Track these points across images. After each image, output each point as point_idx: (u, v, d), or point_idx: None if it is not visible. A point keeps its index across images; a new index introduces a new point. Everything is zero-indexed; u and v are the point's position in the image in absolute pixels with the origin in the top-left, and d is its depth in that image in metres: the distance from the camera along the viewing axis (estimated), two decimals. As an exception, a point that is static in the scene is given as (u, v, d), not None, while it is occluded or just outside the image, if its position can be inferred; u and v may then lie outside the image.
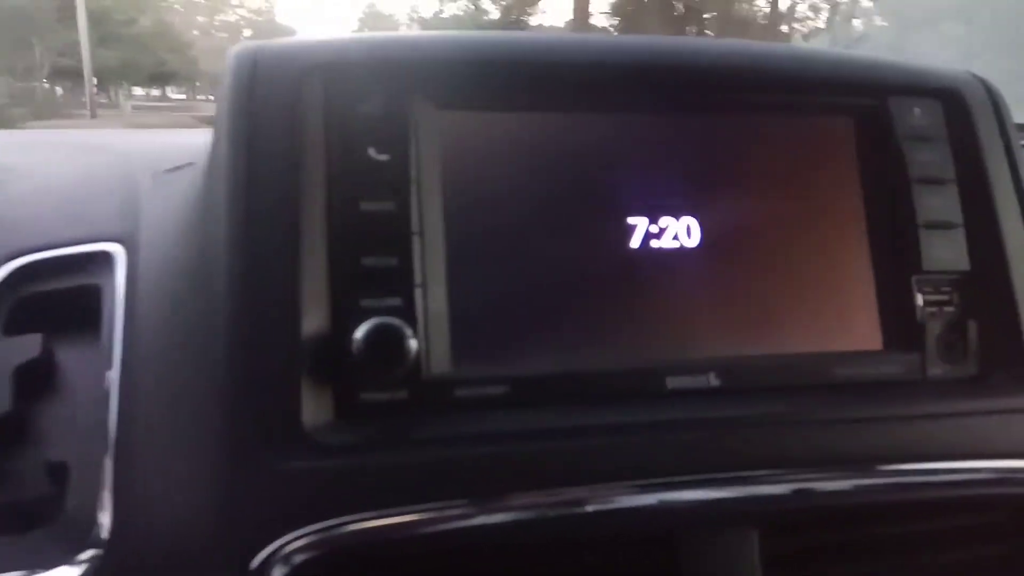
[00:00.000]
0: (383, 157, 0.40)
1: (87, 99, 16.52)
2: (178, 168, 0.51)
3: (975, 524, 0.46)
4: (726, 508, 0.41)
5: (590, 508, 0.40)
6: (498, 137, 0.42)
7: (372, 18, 36.47)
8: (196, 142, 0.49)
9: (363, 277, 0.39)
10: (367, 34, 0.44)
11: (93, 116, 15.63)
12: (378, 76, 0.40)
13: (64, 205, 0.50)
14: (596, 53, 0.44)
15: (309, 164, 0.39)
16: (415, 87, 0.41)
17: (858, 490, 0.42)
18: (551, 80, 0.43)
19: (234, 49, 0.41)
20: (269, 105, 0.39)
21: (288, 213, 0.38)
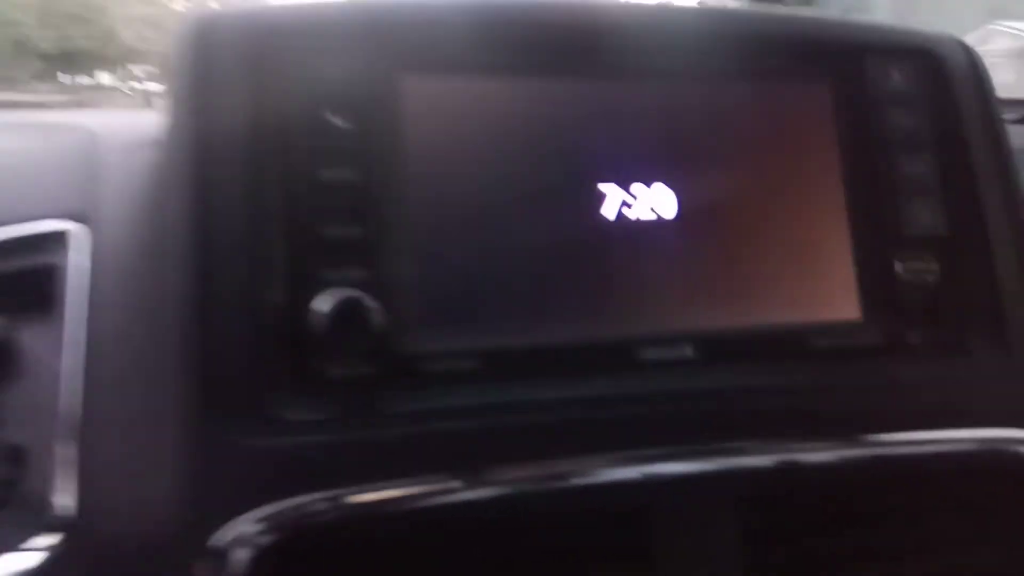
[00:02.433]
0: (345, 124, 0.38)
1: None
2: (144, 145, 0.49)
3: (954, 497, 0.46)
4: (706, 480, 0.40)
5: (567, 482, 0.39)
6: (466, 103, 0.41)
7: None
8: None
9: (325, 248, 0.38)
10: None
11: None
12: (340, 40, 0.39)
13: (23, 182, 0.49)
14: (565, 16, 0.43)
15: (267, 131, 0.38)
16: (378, 51, 0.40)
17: (839, 460, 0.42)
18: (520, 44, 0.42)
19: (189, 14, 0.40)
20: (225, 70, 0.38)
21: (245, 183, 0.37)
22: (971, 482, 0.46)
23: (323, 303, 0.35)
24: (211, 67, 0.38)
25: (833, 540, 0.44)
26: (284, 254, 0.37)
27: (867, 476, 0.43)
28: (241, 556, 0.35)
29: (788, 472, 0.41)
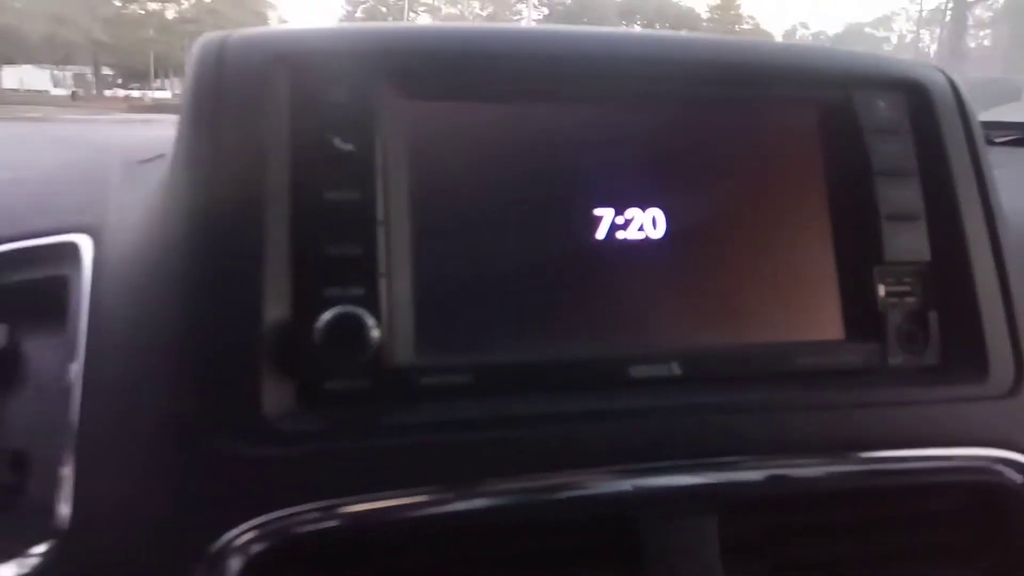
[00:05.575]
0: (348, 146, 0.40)
1: None
2: (150, 159, 0.51)
3: (930, 510, 0.47)
4: (691, 494, 0.41)
5: (557, 495, 0.40)
6: (465, 127, 0.42)
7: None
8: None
9: (327, 266, 0.39)
10: (335, 23, 0.44)
11: None
12: (344, 65, 0.41)
13: (35, 196, 0.50)
14: (564, 45, 0.44)
15: (273, 153, 0.39)
16: (381, 76, 0.41)
17: (818, 477, 0.43)
18: (519, 71, 0.43)
19: (200, 38, 0.41)
20: (234, 94, 0.39)
21: (251, 202, 0.38)
22: (949, 500, 0.47)
23: (324, 320, 0.37)
24: (220, 87, 0.39)
25: (811, 553, 0.45)
26: (287, 271, 0.38)
27: (844, 492, 0.44)
28: (235, 564, 0.36)
29: (768, 487, 0.42)
